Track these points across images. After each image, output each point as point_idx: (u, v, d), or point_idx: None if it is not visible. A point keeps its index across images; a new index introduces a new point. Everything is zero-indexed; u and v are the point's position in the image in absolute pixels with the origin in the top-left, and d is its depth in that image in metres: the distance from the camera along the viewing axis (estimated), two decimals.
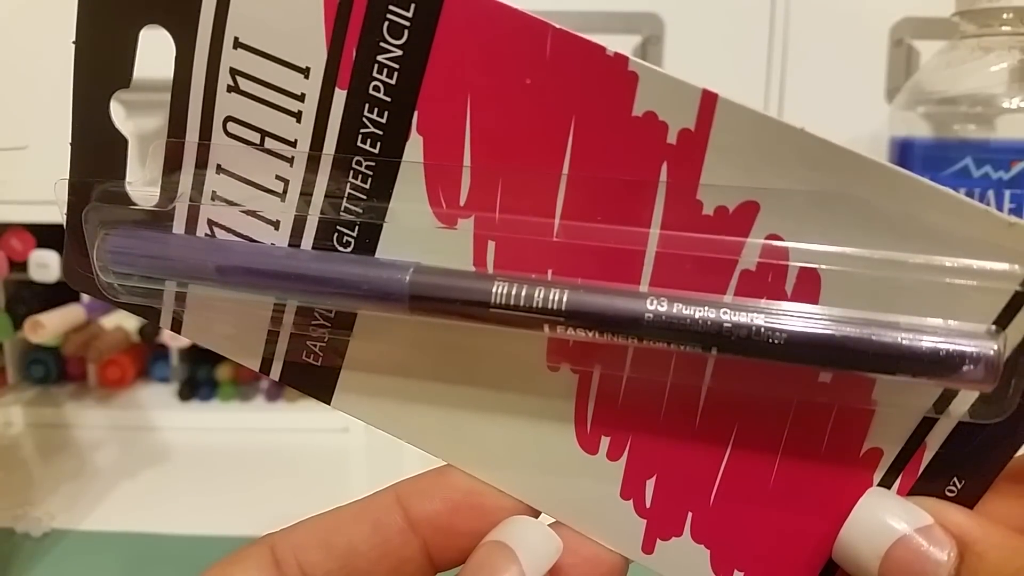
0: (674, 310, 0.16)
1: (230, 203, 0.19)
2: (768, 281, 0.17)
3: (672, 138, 0.17)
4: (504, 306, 0.17)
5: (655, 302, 0.16)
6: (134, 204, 0.19)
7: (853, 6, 0.49)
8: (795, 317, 0.16)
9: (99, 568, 0.36)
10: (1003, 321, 0.16)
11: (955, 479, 0.18)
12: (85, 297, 0.52)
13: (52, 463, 0.47)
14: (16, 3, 0.49)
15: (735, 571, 0.19)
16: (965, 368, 0.15)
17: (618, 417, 0.19)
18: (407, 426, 0.20)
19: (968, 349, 0.15)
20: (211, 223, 0.19)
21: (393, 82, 0.17)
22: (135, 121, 0.48)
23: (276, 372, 0.20)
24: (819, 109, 0.49)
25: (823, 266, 0.17)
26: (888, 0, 0.49)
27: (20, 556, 0.37)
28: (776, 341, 0.16)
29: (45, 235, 0.51)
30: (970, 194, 0.37)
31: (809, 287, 0.17)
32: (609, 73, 0.17)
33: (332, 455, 0.49)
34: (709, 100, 0.17)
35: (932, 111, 0.39)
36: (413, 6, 0.17)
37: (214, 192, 0.19)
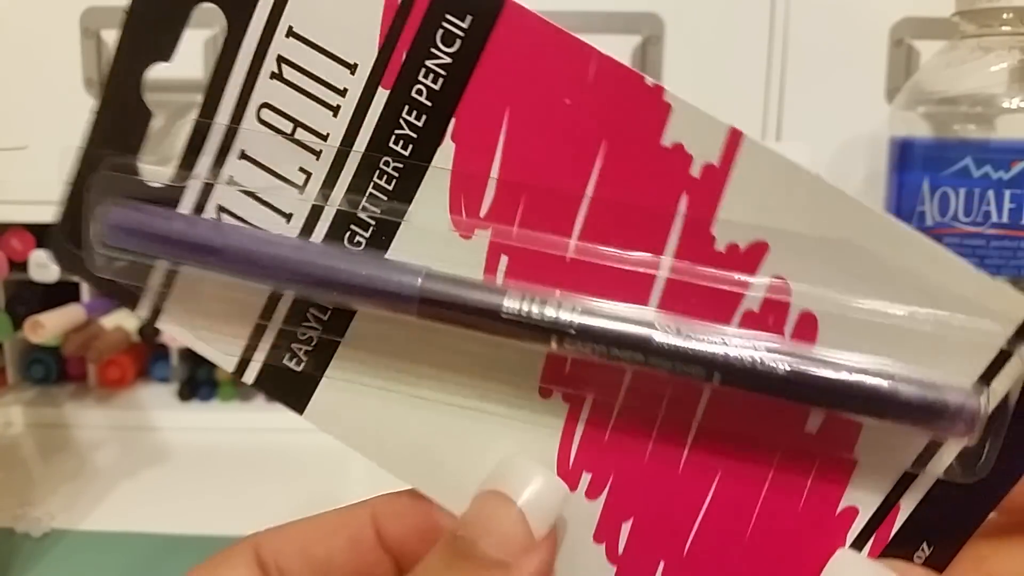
0: (682, 332, 0.17)
1: (246, 191, 0.19)
2: (769, 322, 0.17)
3: (695, 171, 0.17)
4: (515, 315, 0.17)
5: (664, 325, 0.17)
6: (143, 179, 0.19)
7: (853, 6, 0.49)
8: (794, 356, 0.17)
9: (99, 568, 0.36)
10: (987, 378, 0.17)
11: (925, 544, 0.18)
12: (85, 297, 0.52)
13: (52, 463, 0.47)
14: (16, 3, 0.49)
15: None
16: (949, 417, 0.16)
17: (603, 452, 0.18)
18: (381, 448, 0.20)
19: (954, 399, 0.16)
20: (220, 208, 0.19)
21: (437, 88, 0.18)
22: None
23: (251, 375, 0.20)
24: (819, 109, 0.49)
25: (822, 311, 0.17)
26: (888, 0, 0.49)
27: (20, 556, 0.37)
28: (776, 373, 0.16)
29: (45, 235, 0.51)
30: (970, 194, 0.37)
31: (807, 330, 0.17)
32: (645, 101, 0.17)
33: (332, 455, 0.49)
34: (735, 138, 0.17)
35: (932, 111, 0.39)
36: (470, 18, 0.17)
37: (231, 177, 0.19)
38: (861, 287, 0.17)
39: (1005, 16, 0.38)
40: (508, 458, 0.18)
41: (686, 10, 0.48)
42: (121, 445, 0.49)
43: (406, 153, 0.18)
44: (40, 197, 0.50)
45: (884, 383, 0.16)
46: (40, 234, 0.51)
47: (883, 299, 0.17)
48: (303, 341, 0.19)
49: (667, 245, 0.18)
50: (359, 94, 0.18)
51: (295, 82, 0.18)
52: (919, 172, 0.39)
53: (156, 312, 0.20)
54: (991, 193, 0.37)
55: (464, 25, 0.17)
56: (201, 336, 0.20)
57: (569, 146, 0.18)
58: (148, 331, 0.55)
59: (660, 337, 0.17)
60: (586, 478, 0.19)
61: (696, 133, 0.17)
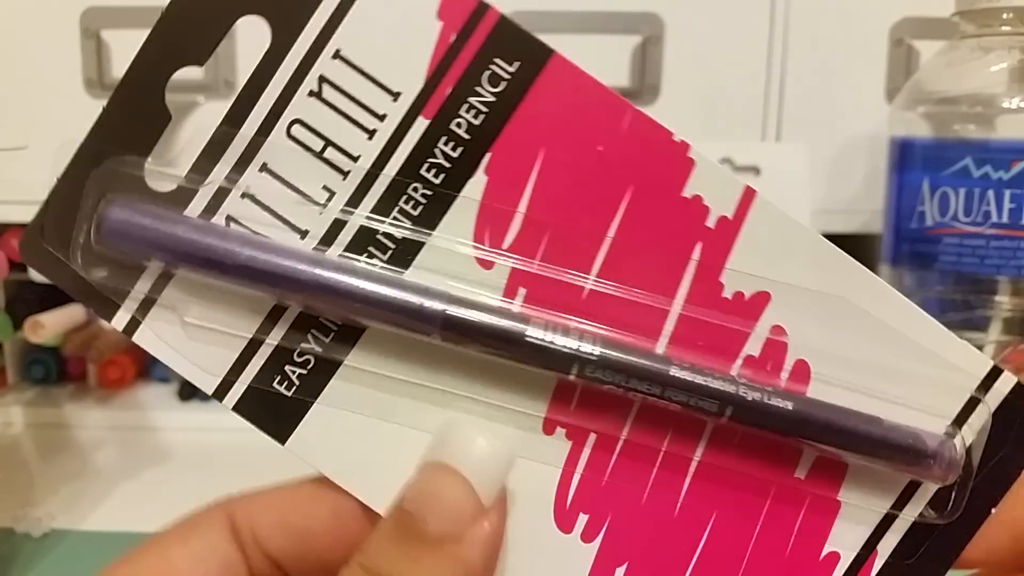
0: (696, 368, 0.18)
1: (263, 204, 0.19)
2: (768, 366, 0.19)
3: (711, 222, 0.19)
4: (539, 341, 0.18)
5: (679, 360, 0.18)
6: (150, 181, 0.19)
7: (853, 6, 0.49)
8: (795, 398, 0.18)
9: (99, 568, 0.36)
10: (957, 424, 0.19)
11: None
12: None
13: (52, 463, 0.47)
14: (16, 3, 0.49)
15: None
16: (929, 459, 0.18)
17: (602, 494, 0.19)
18: (369, 482, 0.19)
19: (933, 443, 0.18)
20: (230, 218, 0.19)
21: (477, 123, 0.18)
22: None
23: (232, 398, 0.19)
24: (819, 109, 0.49)
25: (815, 360, 0.19)
26: (888, 0, 0.49)
27: (20, 556, 0.37)
28: (782, 410, 0.18)
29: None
30: (970, 194, 0.37)
31: (801, 376, 0.19)
32: (671, 155, 0.19)
33: None
34: (749, 195, 0.19)
35: (932, 111, 0.39)
36: (517, 63, 0.18)
37: (247, 188, 0.19)
38: (853, 339, 0.19)
39: (1005, 16, 0.38)
40: (449, 425, 0.18)
41: (686, 10, 0.48)
42: (121, 445, 0.49)
43: (437, 181, 0.19)
44: (40, 197, 0.50)
45: (875, 428, 0.18)
46: None
47: (867, 350, 0.19)
48: (299, 363, 0.19)
49: (679, 289, 0.19)
50: (398, 121, 0.18)
51: (333, 102, 0.19)
52: (919, 172, 0.39)
53: (135, 325, 0.19)
54: (991, 193, 0.37)
55: (511, 69, 0.19)
56: (174, 357, 0.19)
57: (596, 189, 0.19)
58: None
59: (677, 372, 0.18)
60: (583, 520, 0.19)
61: (715, 187, 0.19)
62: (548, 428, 0.19)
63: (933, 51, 0.41)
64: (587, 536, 0.19)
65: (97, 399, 0.53)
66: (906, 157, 0.40)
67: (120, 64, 0.49)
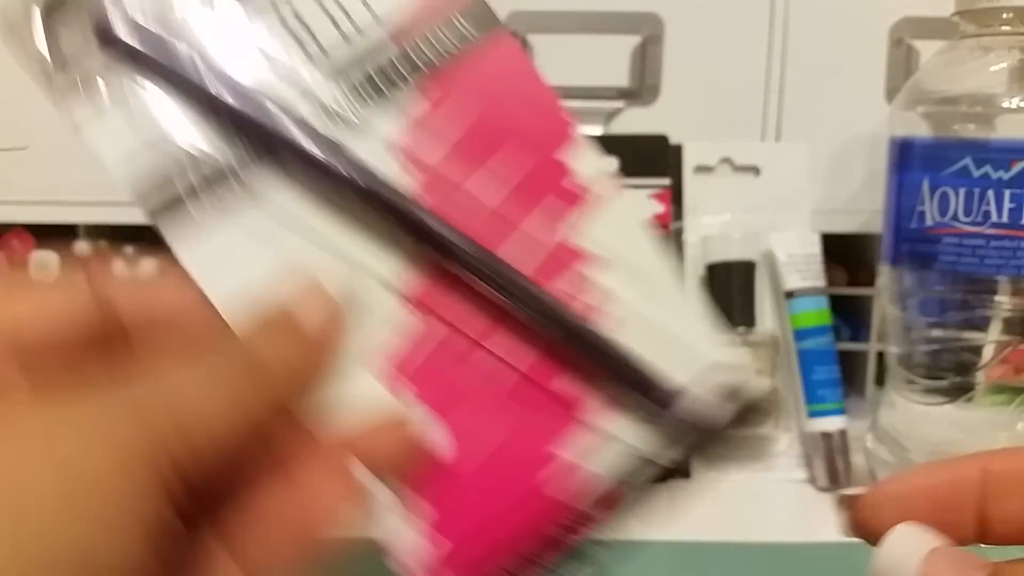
0: (516, 272, 0.22)
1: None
2: (571, 293, 0.23)
3: (568, 184, 0.24)
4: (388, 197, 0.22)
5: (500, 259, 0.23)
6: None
7: (853, 6, 0.49)
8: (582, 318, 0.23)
9: None
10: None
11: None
12: None
13: None
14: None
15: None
16: (664, 395, 0.22)
17: (425, 369, 0.22)
18: (226, 282, 0.22)
19: (668, 383, 0.22)
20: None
21: (432, 59, 0.23)
22: None
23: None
24: (819, 109, 0.49)
25: (609, 305, 0.23)
26: (888, 0, 0.49)
27: None
28: (570, 321, 0.22)
29: (45, 235, 0.51)
30: (970, 194, 0.37)
31: (594, 310, 0.23)
32: (560, 128, 0.24)
33: None
34: (612, 181, 0.24)
35: (932, 111, 0.39)
36: (476, 29, 0.23)
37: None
38: (644, 301, 0.23)
39: (1005, 16, 0.38)
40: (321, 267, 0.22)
41: (686, 10, 0.48)
42: None
43: (383, 88, 0.23)
44: (40, 197, 0.50)
45: (633, 362, 0.22)
46: (40, 234, 0.51)
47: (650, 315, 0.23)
48: (215, 185, 0.22)
49: (524, 221, 0.23)
50: (374, 39, 0.23)
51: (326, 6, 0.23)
52: (919, 172, 0.39)
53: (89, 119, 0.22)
54: (991, 193, 0.37)
55: (472, 30, 0.23)
56: (124, 153, 0.22)
57: (493, 127, 0.23)
58: None
59: (521, 281, 0.22)
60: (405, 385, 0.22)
61: (587, 163, 0.23)
62: (407, 302, 0.22)
63: (933, 51, 0.41)
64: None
65: None
66: (906, 157, 0.40)
67: None
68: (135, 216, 0.49)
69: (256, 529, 0.19)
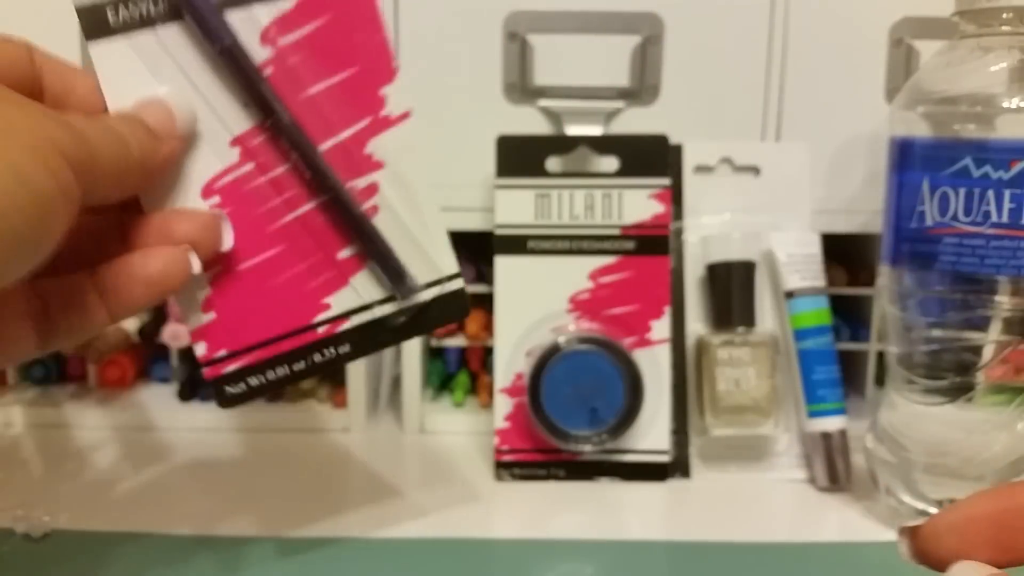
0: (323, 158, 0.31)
1: None
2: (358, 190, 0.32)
3: (385, 113, 0.33)
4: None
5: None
6: None
7: (853, 6, 0.49)
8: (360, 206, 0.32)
9: (99, 568, 0.36)
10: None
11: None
12: None
13: (52, 463, 0.47)
14: (16, 3, 0.49)
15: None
16: (408, 286, 0.33)
17: (232, 194, 0.31)
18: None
19: (413, 279, 0.33)
20: None
21: None
22: None
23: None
24: (819, 109, 0.49)
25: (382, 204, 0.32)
26: (888, 0, 0.49)
27: (20, 556, 0.37)
28: (353, 207, 0.32)
29: None
30: (970, 194, 0.37)
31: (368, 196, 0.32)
32: (387, 65, 0.32)
33: (332, 455, 0.49)
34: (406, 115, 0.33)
35: (932, 111, 0.39)
36: None
37: None
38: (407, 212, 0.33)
39: (1005, 16, 0.38)
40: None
41: (686, 10, 0.48)
42: (121, 445, 0.49)
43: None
44: None
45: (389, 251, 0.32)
46: None
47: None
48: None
49: (345, 130, 0.32)
50: None
51: None
52: (919, 172, 0.39)
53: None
54: (991, 193, 0.37)
55: None
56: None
57: (335, 53, 0.31)
58: (150, 331, 0.54)
59: (324, 166, 0.31)
60: (214, 201, 0.31)
61: (402, 93, 0.32)
62: (234, 142, 0.31)
63: (933, 51, 0.41)
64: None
65: (97, 399, 0.53)
66: (906, 157, 0.40)
67: None
68: None
69: (117, 279, 0.28)
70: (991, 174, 0.37)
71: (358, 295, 0.33)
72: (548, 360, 0.45)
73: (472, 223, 0.49)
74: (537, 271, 0.46)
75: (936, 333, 0.39)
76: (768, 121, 0.50)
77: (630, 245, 0.46)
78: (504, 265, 0.47)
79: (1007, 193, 0.37)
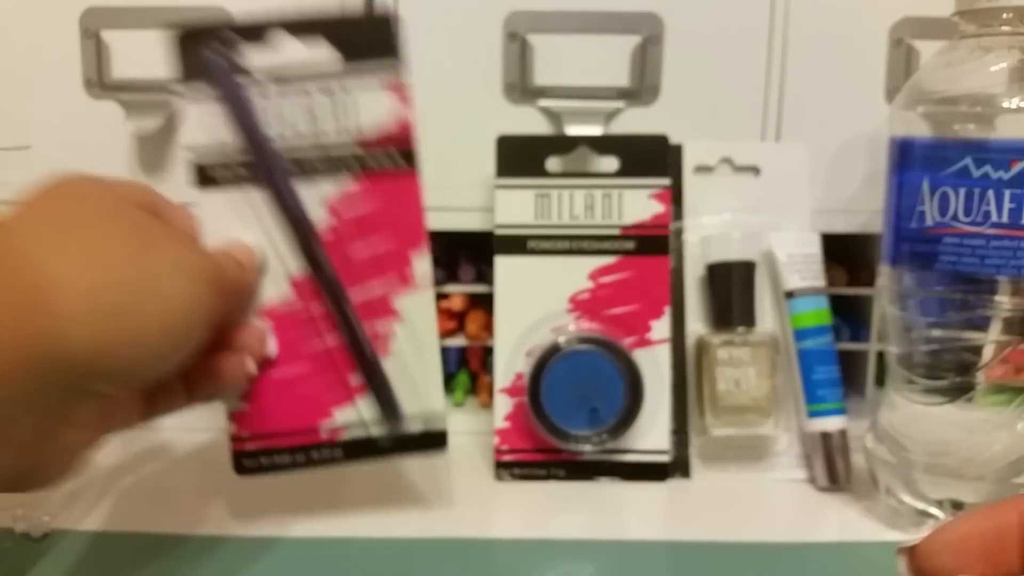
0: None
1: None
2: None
3: None
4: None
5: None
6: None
7: (853, 6, 0.49)
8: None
9: (99, 568, 0.36)
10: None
11: None
12: None
13: None
14: (16, 3, 0.49)
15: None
16: (397, 418, 0.39)
17: (281, 319, 0.39)
18: None
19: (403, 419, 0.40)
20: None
21: None
22: (135, 122, 0.48)
23: None
24: (819, 109, 0.49)
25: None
26: (888, 0, 0.49)
27: (20, 556, 0.37)
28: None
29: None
30: (970, 194, 0.37)
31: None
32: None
33: None
34: None
35: (932, 111, 0.39)
36: None
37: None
38: None
39: (1005, 16, 0.38)
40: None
41: (686, 10, 0.48)
42: (121, 445, 0.49)
43: None
44: None
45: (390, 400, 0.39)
46: None
47: None
48: None
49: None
50: None
51: None
52: (919, 172, 0.39)
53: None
54: (991, 193, 0.37)
55: None
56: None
57: None
58: None
59: (350, 312, 0.39)
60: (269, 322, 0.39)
61: None
62: (289, 281, 0.38)
63: (933, 51, 0.41)
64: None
65: None
66: (906, 157, 0.40)
67: (120, 64, 0.49)
68: None
69: (198, 375, 0.35)
70: (991, 174, 0.37)
71: (359, 414, 0.39)
72: (548, 360, 0.45)
73: (472, 223, 0.49)
74: (537, 271, 0.46)
75: (936, 333, 0.39)
76: (768, 121, 0.50)
77: (630, 245, 0.46)
78: (504, 265, 0.47)
79: (1007, 193, 0.37)
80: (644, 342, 0.46)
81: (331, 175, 0.38)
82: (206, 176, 0.37)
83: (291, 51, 0.37)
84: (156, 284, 0.29)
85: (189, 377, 0.35)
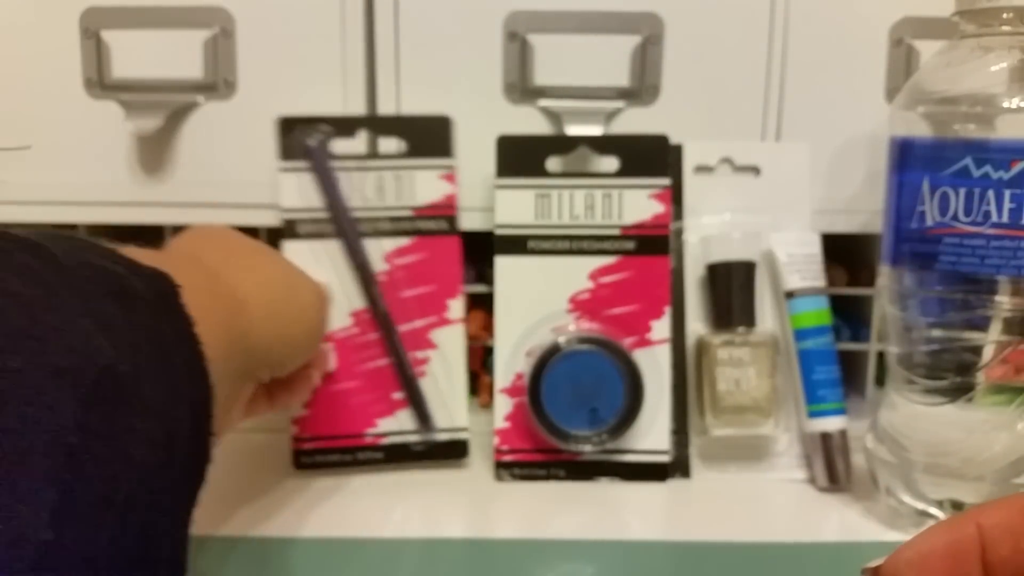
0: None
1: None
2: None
3: None
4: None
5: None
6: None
7: (853, 6, 0.49)
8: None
9: None
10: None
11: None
12: None
13: None
14: (16, 3, 0.49)
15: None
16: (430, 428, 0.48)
17: (349, 341, 0.47)
18: None
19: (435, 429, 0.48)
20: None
21: None
22: (135, 122, 0.48)
23: None
24: (819, 109, 0.49)
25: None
26: (888, 0, 0.49)
27: None
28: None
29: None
30: (970, 194, 0.37)
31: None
32: None
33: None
34: None
35: (932, 111, 0.39)
36: None
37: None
38: None
39: (1005, 16, 0.38)
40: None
41: (686, 10, 0.48)
42: None
43: None
44: (40, 197, 0.50)
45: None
46: None
47: None
48: None
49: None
50: None
51: None
52: (919, 172, 0.39)
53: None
54: (991, 193, 0.37)
55: None
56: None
57: None
58: None
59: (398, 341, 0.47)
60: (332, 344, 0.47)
61: None
62: (351, 313, 0.47)
63: (933, 51, 0.41)
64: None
65: None
66: (906, 157, 0.40)
67: (120, 64, 0.49)
68: (135, 216, 0.50)
69: (278, 386, 0.41)
70: (991, 174, 0.37)
71: (398, 423, 0.47)
72: (548, 360, 0.45)
73: (472, 223, 0.49)
74: (537, 271, 0.46)
75: (936, 333, 0.39)
76: (768, 121, 0.50)
77: (630, 245, 0.46)
78: (504, 265, 0.47)
79: (1007, 193, 0.37)
80: (644, 342, 0.46)
81: (391, 234, 0.47)
82: (294, 230, 0.46)
83: (370, 142, 0.47)
84: (300, 298, 0.38)
85: (268, 388, 0.41)
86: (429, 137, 0.47)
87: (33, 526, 0.18)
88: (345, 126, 0.47)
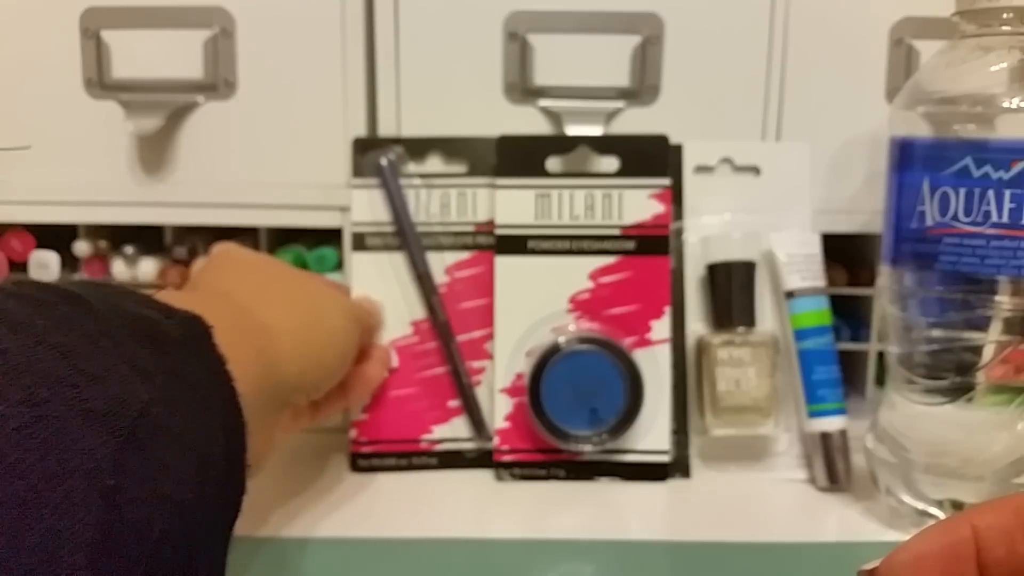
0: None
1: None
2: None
3: None
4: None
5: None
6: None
7: (853, 6, 0.49)
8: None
9: None
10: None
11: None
12: None
13: None
14: (16, 3, 0.49)
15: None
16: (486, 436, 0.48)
17: (406, 350, 0.48)
18: None
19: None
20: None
21: None
22: (135, 122, 0.48)
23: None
24: (819, 109, 0.49)
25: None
26: (888, 0, 0.49)
27: None
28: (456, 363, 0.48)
29: (45, 235, 0.51)
30: (970, 194, 0.37)
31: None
32: None
33: (331, 454, 0.49)
34: None
35: (932, 111, 0.39)
36: None
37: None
38: None
39: (1005, 16, 0.38)
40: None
41: (686, 10, 0.48)
42: None
43: None
44: (40, 197, 0.50)
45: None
46: (40, 234, 0.51)
47: None
48: None
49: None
50: None
51: None
52: (919, 172, 0.39)
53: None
54: (991, 193, 0.37)
55: None
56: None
57: None
58: None
59: (456, 351, 0.48)
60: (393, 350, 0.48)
61: None
62: (412, 323, 0.48)
63: (933, 51, 0.41)
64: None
65: None
66: (906, 157, 0.40)
67: (120, 64, 0.49)
68: (135, 216, 0.50)
69: (351, 384, 0.43)
70: (991, 174, 0.37)
71: (453, 430, 0.47)
72: (548, 360, 0.45)
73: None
74: (537, 271, 0.46)
75: (936, 333, 0.39)
76: (768, 121, 0.50)
77: (630, 245, 0.46)
78: (504, 265, 0.47)
79: (1007, 193, 0.37)
80: (644, 342, 0.46)
81: (452, 248, 0.48)
82: (362, 243, 0.48)
83: (438, 163, 0.49)
84: (329, 323, 0.39)
85: (342, 386, 0.42)
86: (487, 161, 0.48)
87: (70, 566, 0.19)
88: (414, 146, 0.49)
